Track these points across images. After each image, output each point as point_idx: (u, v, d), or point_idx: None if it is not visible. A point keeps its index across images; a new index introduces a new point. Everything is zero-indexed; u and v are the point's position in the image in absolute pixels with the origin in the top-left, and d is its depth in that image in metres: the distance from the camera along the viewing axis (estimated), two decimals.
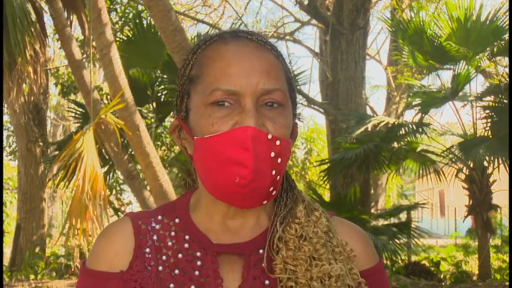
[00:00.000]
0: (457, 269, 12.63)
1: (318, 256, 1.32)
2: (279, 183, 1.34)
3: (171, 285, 1.33)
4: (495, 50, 10.86)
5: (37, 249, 14.00)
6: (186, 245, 1.37)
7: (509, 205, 10.71)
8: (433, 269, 12.77)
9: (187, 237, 1.39)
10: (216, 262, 1.35)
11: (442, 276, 12.35)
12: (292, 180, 1.45)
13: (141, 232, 1.40)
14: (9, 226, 20.31)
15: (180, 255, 1.37)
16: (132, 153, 9.33)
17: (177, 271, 1.35)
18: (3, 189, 18.27)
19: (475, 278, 11.71)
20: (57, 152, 12.17)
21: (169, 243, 1.39)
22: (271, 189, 1.31)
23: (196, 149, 1.33)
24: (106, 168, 11.16)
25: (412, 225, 11.39)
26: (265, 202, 1.33)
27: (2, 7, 8.30)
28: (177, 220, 1.42)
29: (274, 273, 1.31)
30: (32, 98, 9.85)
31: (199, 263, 1.35)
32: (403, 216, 14.10)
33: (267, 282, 1.33)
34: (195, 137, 1.33)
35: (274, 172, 1.29)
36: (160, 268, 1.36)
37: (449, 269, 13.01)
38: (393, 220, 13.45)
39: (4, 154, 23.00)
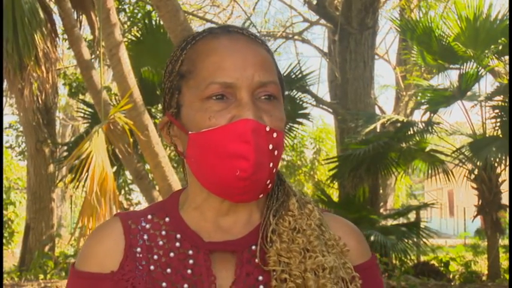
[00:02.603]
0: (466, 269, 12.59)
1: (311, 248, 1.31)
2: (274, 175, 1.34)
3: (164, 284, 1.32)
4: (500, 48, 10.82)
5: (46, 249, 14.02)
6: (178, 244, 1.36)
7: (509, 205, 10.68)
8: (442, 269, 12.73)
9: (178, 236, 1.37)
10: (208, 260, 1.33)
11: (451, 276, 12.31)
12: (282, 174, 1.45)
13: (132, 232, 1.39)
14: (19, 226, 20.35)
15: (171, 254, 1.35)
16: (141, 153, 9.34)
17: (169, 270, 1.33)
18: (3, 189, 18.33)
19: (484, 278, 11.68)
20: (66, 153, 12.20)
21: (160, 243, 1.37)
22: (268, 182, 1.31)
23: (190, 144, 1.32)
24: (115, 168, 11.18)
25: (421, 225, 11.39)
26: (261, 196, 1.33)
27: (1, 7, 8.32)
28: (167, 219, 1.40)
29: (268, 265, 1.30)
30: (43, 97, 9.88)
31: (191, 261, 1.34)
32: (412, 216, 14.06)
33: (260, 277, 1.32)
34: (190, 132, 1.32)
35: (271, 165, 1.29)
36: (152, 267, 1.34)
37: (459, 269, 12.96)
38: (402, 220, 13.42)
39: (13, 154, 23.09)
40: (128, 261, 1.35)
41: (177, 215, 1.41)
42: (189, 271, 1.33)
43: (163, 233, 1.39)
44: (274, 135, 1.29)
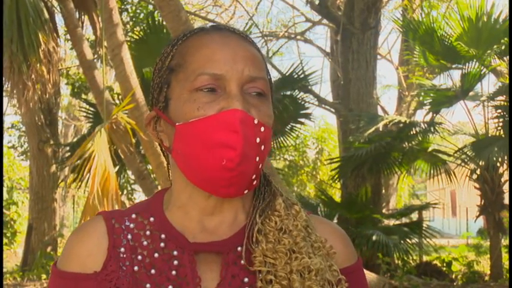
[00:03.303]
0: (468, 269, 12.59)
1: (297, 249, 1.30)
2: (260, 172, 1.33)
3: (148, 285, 1.30)
4: (503, 48, 10.82)
5: (49, 249, 14.03)
6: (162, 244, 1.34)
7: (509, 205, 10.68)
8: (444, 269, 12.74)
9: (163, 236, 1.35)
10: (193, 261, 1.32)
11: (453, 276, 12.31)
12: (268, 175, 1.44)
13: (115, 231, 1.37)
14: (21, 226, 20.37)
15: (156, 255, 1.33)
16: (143, 153, 9.34)
17: (153, 271, 1.31)
18: (3, 189, 18.34)
19: (486, 278, 11.68)
20: (69, 153, 12.22)
21: (145, 243, 1.35)
22: (254, 177, 1.30)
23: (177, 136, 1.31)
24: (117, 168, 11.18)
25: (424, 225, 11.38)
26: (246, 191, 1.32)
27: (1, 6, 8.33)
28: (151, 219, 1.38)
29: (254, 266, 1.29)
30: (44, 98, 9.88)
31: (176, 262, 1.32)
32: (414, 216, 14.08)
33: (246, 279, 1.31)
34: (177, 124, 1.31)
35: (258, 159, 1.28)
36: (136, 268, 1.32)
37: (461, 269, 12.96)
38: (405, 220, 13.43)
39: (16, 154, 23.11)
40: (111, 261, 1.33)
41: (161, 214, 1.39)
42: (173, 272, 1.31)
43: (148, 233, 1.36)
44: (262, 129, 1.28)
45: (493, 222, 10.93)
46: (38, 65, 8.61)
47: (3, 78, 8.67)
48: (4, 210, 20.21)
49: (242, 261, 1.31)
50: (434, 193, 36.06)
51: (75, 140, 15.74)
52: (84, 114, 13.09)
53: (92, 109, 12.22)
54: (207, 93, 1.28)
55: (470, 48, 10.70)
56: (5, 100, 18.17)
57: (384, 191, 14.88)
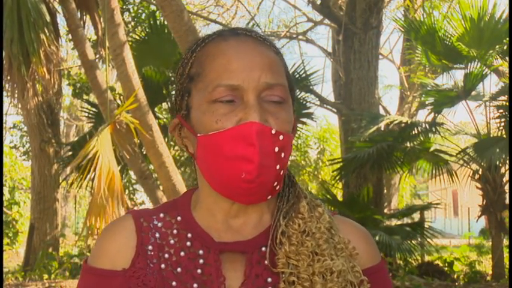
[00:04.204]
0: (470, 269, 12.58)
1: (320, 251, 1.32)
2: (282, 177, 1.34)
3: (174, 283, 1.33)
4: (505, 48, 10.80)
5: (50, 249, 14.03)
6: (188, 243, 1.37)
7: (510, 204, 10.67)
8: (446, 269, 12.73)
9: (189, 235, 1.38)
10: (218, 260, 1.34)
11: (455, 276, 12.30)
12: (293, 176, 1.46)
13: (143, 229, 1.40)
14: (23, 226, 20.39)
15: (182, 253, 1.36)
16: (145, 153, 9.34)
17: (179, 269, 1.35)
18: (3, 189, 18.35)
19: (488, 278, 11.66)
20: (70, 153, 12.22)
21: (172, 241, 1.39)
22: (276, 183, 1.32)
23: (199, 146, 1.34)
24: (119, 168, 11.18)
25: (426, 225, 11.38)
26: (269, 197, 1.34)
27: (1, 6, 8.34)
28: (179, 218, 1.42)
29: (277, 267, 1.31)
30: (45, 98, 9.88)
31: (201, 261, 1.35)
32: (416, 216, 14.06)
33: (269, 279, 1.33)
34: (199, 134, 1.33)
35: (278, 167, 1.30)
36: (162, 266, 1.36)
37: (463, 269, 12.95)
38: (406, 220, 13.43)
39: (18, 154, 23.12)
40: (139, 258, 1.37)
41: (188, 214, 1.42)
42: (199, 271, 1.34)
43: (175, 231, 1.40)
44: (281, 137, 1.30)
45: (494, 222, 10.91)
46: (39, 65, 8.61)
47: (4, 79, 8.68)
48: (6, 210, 20.25)
49: (266, 262, 1.34)
50: (436, 193, 36.04)
51: (76, 139, 15.74)
52: (86, 114, 13.09)
53: (93, 109, 12.23)
54: (224, 105, 1.30)
55: (472, 48, 10.69)
56: (7, 100, 18.20)
57: (385, 191, 14.88)
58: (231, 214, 1.39)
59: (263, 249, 1.36)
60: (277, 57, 1.38)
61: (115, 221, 1.46)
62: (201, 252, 1.36)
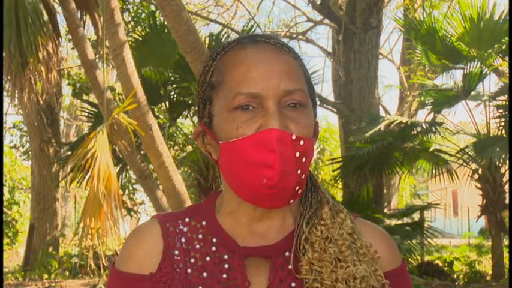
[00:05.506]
0: (470, 269, 12.59)
1: (343, 258, 1.34)
2: (304, 181, 1.36)
3: (200, 287, 1.36)
4: (504, 47, 10.79)
5: (50, 249, 14.04)
6: (214, 248, 1.40)
7: (510, 204, 10.67)
8: (446, 269, 12.74)
9: (214, 240, 1.41)
10: (243, 265, 1.37)
11: (455, 276, 12.31)
12: (316, 180, 1.48)
13: (170, 234, 1.43)
14: (23, 226, 20.40)
15: (207, 258, 1.39)
16: (145, 152, 9.34)
17: (205, 274, 1.37)
18: (2, 189, 18.35)
19: (488, 278, 11.67)
20: (70, 153, 12.21)
21: (197, 246, 1.41)
22: (297, 188, 1.33)
23: (222, 153, 1.36)
24: (118, 168, 11.18)
25: (425, 225, 11.37)
26: (292, 201, 1.35)
27: (1, 6, 8.33)
28: (204, 223, 1.44)
29: (300, 273, 1.33)
30: (45, 98, 9.88)
31: (226, 266, 1.37)
32: (416, 216, 14.05)
33: (293, 284, 1.35)
34: (221, 142, 1.35)
35: (299, 171, 1.31)
36: (189, 270, 1.38)
37: (463, 269, 12.96)
38: (406, 220, 13.41)
39: (18, 154, 23.12)
40: (166, 263, 1.40)
41: (213, 218, 1.44)
42: (224, 275, 1.37)
43: (200, 236, 1.43)
44: (301, 142, 1.31)
45: (494, 222, 10.91)
46: (36, 65, 8.61)
47: (3, 79, 8.68)
48: (6, 210, 20.25)
49: (290, 266, 1.36)
50: (436, 193, 36.06)
51: (75, 139, 15.73)
52: (86, 114, 13.10)
53: (93, 109, 12.23)
54: (245, 112, 1.32)
55: (472, 48, 10.68)
56: (6, 100, 18.20)
57: (385, 190, 14.86)
58: (255, 218, 1.40)
59: (286, 253, 1.38)
60: (296, 62, 1.40)
61: (141, 226, 1.48)
62: (226, 257, 1.38)
